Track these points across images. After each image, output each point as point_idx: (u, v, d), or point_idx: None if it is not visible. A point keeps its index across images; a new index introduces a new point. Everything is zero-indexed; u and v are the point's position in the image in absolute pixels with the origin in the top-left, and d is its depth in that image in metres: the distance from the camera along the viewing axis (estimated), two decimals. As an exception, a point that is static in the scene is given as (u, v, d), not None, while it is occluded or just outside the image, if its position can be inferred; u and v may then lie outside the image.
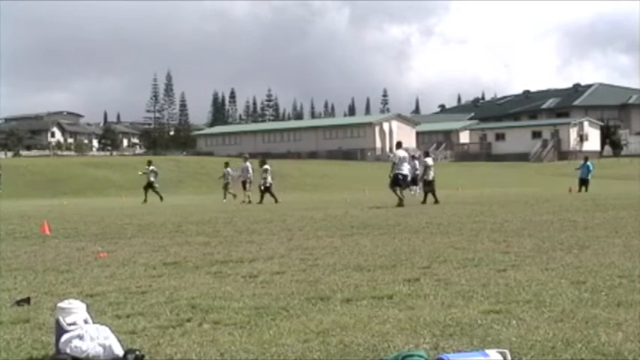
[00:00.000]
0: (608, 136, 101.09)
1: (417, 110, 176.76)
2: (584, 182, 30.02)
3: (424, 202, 24.69)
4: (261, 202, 28.17)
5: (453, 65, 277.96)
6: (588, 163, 32.78)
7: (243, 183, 31.31)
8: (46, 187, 54.44)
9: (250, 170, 31.24)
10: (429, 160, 26.57)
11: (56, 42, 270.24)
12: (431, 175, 25.74)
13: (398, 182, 22.31)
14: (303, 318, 5.49)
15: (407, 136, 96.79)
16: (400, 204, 21.07)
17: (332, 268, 8.28)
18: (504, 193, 33.98)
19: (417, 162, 29.92)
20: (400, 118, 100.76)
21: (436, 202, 24.33)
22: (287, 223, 16.08)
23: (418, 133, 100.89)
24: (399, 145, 24.70)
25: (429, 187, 25.67)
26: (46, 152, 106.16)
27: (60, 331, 4.48)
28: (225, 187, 34.54)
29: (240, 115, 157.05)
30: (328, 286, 6.97)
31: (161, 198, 33.78)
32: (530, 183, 55.61)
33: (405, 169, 22.20)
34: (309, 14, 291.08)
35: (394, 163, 22.84)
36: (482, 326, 5.03)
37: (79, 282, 7.69)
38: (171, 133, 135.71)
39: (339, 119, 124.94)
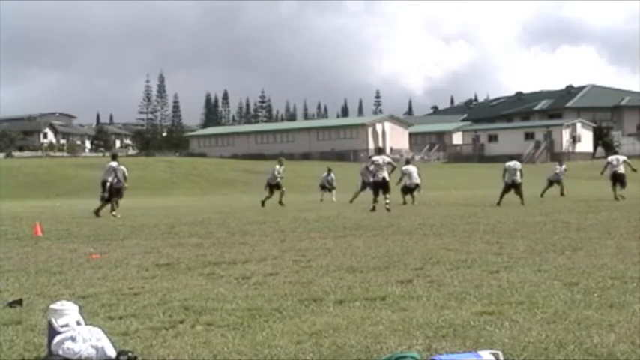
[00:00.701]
0: (601, 138, 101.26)
1: (409, 111, 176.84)
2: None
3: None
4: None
5: (446, 66, 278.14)
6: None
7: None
8: (38, 188, 54.24)
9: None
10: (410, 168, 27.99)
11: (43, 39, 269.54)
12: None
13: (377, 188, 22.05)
14: (296, 319, 5.49)
15: (400, 137, 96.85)
16: (374, 209, 20.93)
17: (325, 269, 8.29)
18: (497, 194, 33.98)
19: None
20: (393, 119, 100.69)
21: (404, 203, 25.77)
22: (280, 224, 16.07)
23: (411, 135, 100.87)
24: (380, 151, 24.75)
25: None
26: (39, 153, 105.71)
27: (52, 332, 4.47)
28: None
29: (233, 117, 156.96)
30: (321, 287, 6.98)
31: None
32: (523, 184, 55.61)
33: (381, 175, 21.95)
34: (301, 13, 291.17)
35: (368, 169, 22.87)
36: (475, 327, 5.04)
37: (72, 283, 7.68)
38: (164, 134, 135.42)
39: (332, 120, 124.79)
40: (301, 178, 56.61)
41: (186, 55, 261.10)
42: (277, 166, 27.62)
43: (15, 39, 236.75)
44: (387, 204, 21.02)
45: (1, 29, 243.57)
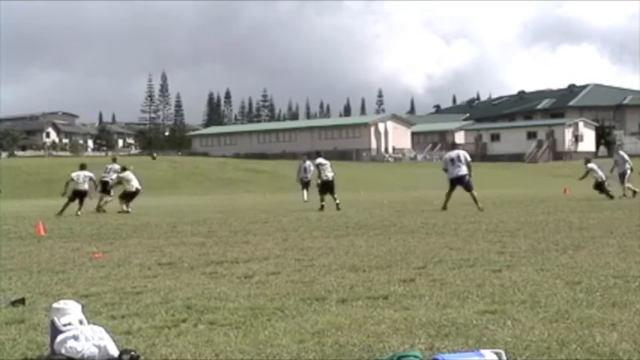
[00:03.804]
0: (603, 137, 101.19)
1: (412, 110, 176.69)
2: None
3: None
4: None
5: (448, 65, 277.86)
6: None
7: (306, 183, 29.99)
8: (40, 187, 54.23)
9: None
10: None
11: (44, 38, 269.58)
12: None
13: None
14: (298, 318, 5.49)
15: (402, 136, 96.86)
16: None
17: (327, 268, 8.29)
18: (499, 193, 34.02)
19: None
20: (395, 118, 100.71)
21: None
22: (282, 223, 16.08)
23: (413, 134, 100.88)
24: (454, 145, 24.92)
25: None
26: (41, 153, 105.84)
27: (55, 331, 4.47)
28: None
29: (235, 116, 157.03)
30: (323, 286, 6.97)
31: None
32: (526, 184, 55.68)
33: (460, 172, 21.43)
34: (303, 12, 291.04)
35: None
36: (478, 326, 5.04)
37: (74, 282, 7.68)
38: (167, 133, 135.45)
39: (335, 120, 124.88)
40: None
41: (188, 54, 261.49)
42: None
43: (15, 38, 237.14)
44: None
45: (1, 29, 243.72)
